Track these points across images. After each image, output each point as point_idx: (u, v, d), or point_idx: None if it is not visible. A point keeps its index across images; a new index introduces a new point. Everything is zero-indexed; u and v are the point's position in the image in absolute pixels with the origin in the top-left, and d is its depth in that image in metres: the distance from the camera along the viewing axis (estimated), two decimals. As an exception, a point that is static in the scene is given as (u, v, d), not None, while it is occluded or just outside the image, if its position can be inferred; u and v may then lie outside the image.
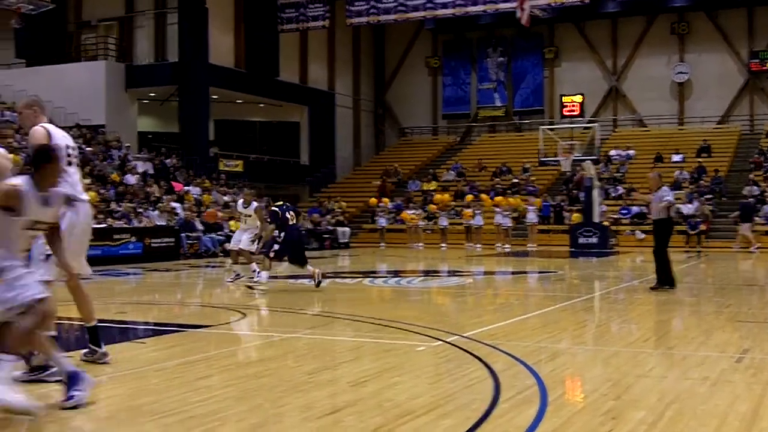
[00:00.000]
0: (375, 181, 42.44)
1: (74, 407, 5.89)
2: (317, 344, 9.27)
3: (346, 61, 47.79)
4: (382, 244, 35.13)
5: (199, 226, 28.63)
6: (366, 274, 19.76)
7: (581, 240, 31.49)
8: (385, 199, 38.22)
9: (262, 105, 43.93)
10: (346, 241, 35.93)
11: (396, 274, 20.53)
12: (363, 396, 6.41)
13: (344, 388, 6.84)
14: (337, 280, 18.08)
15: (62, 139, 7.38)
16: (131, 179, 30.29)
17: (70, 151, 7.44)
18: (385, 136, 50.58)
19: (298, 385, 6.87)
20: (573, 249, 31.09)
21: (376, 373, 7.40)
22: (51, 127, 7.33)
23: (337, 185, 44.25)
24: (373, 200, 37.98)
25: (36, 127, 7.22)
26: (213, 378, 7.27)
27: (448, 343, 8.88)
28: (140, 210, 27.68)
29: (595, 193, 32.16)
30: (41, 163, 6.12)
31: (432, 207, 36.88)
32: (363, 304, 13.31)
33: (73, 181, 7.36)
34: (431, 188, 40.13)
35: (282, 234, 14.98)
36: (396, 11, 38.63)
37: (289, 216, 15.17)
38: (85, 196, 7.46)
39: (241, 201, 17.18)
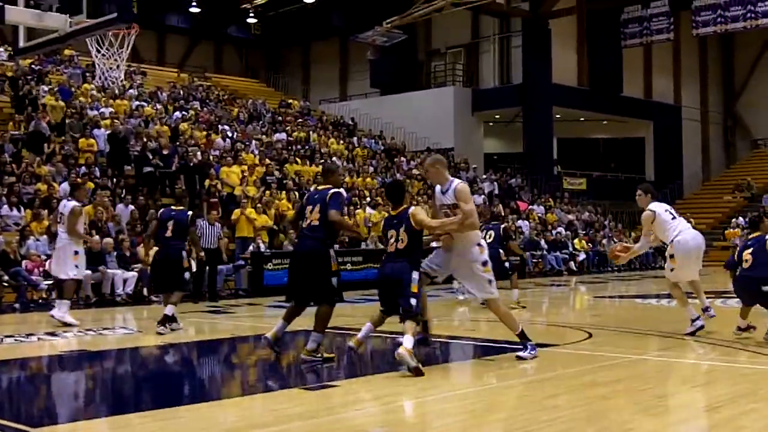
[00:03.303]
0: (726, 196, 40.62)
1: None
2: (668, 367, 9.13)
3: (692, 72, 46.22)
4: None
5: (544, 245, 28.92)
6: (718, 294, 18.94)
7: None
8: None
9: (605, 122, 43.57)
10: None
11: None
12: (717, 422, 6.26)
13: (696, 413, 6.72)
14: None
15: None
16: (478, 200, 31.14)
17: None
18: (736, 149, 48.24)
19: (648, 408, 6.83)
20: None
21: (730, 398, 7.17)
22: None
23: (685, 201, 42.64)
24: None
25: (464, 185, 8.81)
26: (561, 397, 7.36)
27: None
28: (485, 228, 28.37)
29: None
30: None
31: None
32: (714, 325, 12.80)
33: None
34: (789, 203, 37.67)
35: None
36: (745, 18, 36.87)
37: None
38: None
39: None
